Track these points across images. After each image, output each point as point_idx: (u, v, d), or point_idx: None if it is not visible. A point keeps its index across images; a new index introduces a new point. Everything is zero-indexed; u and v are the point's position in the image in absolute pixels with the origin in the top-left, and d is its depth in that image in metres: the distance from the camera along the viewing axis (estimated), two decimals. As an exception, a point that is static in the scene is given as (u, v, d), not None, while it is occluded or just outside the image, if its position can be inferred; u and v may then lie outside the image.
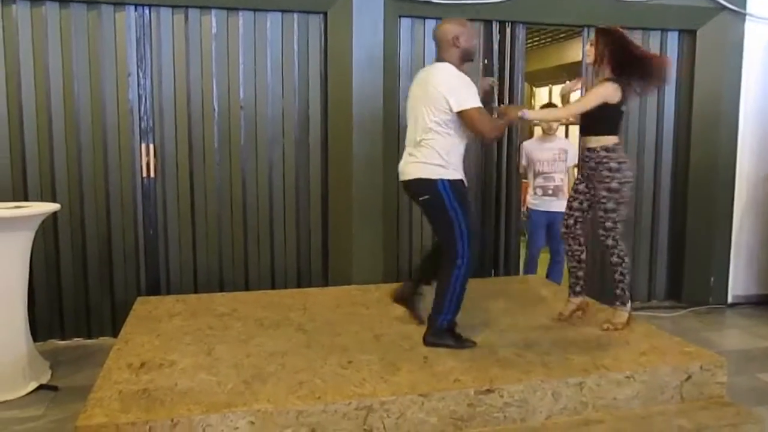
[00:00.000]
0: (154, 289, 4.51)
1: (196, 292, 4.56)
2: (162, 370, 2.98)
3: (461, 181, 3.35)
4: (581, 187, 3.69)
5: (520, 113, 3.44)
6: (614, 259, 3.61)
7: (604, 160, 3.49)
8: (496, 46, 4.93)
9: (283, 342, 3.39)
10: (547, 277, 5.08)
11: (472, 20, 4.77)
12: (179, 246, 4.54)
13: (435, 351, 3.25)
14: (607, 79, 3.46)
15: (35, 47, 4.16)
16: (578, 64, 5.39)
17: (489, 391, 2.84)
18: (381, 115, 4.59)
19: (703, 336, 4.52)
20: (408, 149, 3.42)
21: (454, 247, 3.27)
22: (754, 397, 3.49)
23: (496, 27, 4.92)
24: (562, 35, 8.34)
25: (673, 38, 5.26)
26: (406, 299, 3.71)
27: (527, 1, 4.77)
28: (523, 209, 5.24)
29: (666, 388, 3.07)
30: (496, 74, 4.94)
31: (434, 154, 3.26)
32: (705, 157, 5.25)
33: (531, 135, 7.06)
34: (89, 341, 4.39)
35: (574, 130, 6.32)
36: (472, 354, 3.22)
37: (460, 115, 3.21)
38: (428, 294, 4.07)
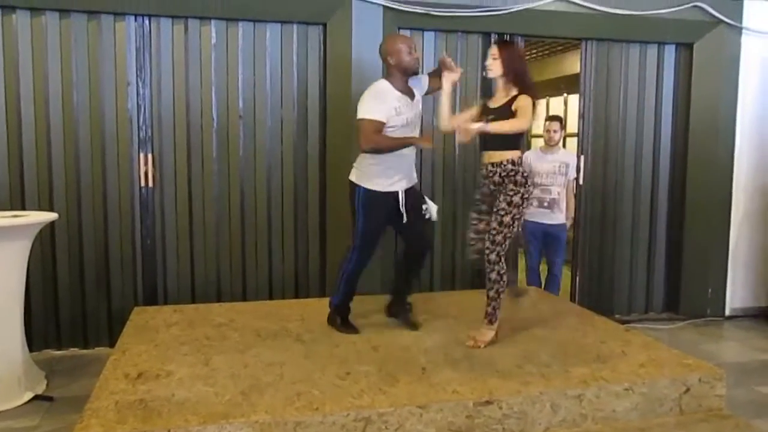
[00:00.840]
0: (151, 299, 4.49)
1: (193, 302, 4.54)
2: (159, 381, 2.96)
3: (379, 192, 3.62)
4: (484, 207, 3.58)
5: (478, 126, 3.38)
6: (493, 275, 3.45)
7: (511, 173, 3.41)
8: (494, 58, 4.94)
9: (281, 352, 3.38)
10: (545, 288, 5.08)
11: (468, 32, 4.84)
12: (177, 256, 4.53)
13: (433, 362, 3.24)
14: (521, 92, 3.37)
15: (35, 56, 4.17)
16: (576, 76, 5.41)
17: (488, 402, 2.83)
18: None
19: (701, 348, 4.51)
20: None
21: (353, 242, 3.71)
22: (752, 409, 3.48)
23: (494, 40, 4.93)
24: (559, 47, 8.39)
25: (670, 51, 5.30)
26: (397, 314, 3.92)
27: (525, 13, 4.80)
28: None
29: (665, 401, 3.07)
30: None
31: (359, 161, 3.67)
32: (702, 170, 5.28)
33: (528, 146, 7.07)
34: (85, 351, 4.37)
35: (572, 141, 6.35)
36: (470, 365, 3.21)
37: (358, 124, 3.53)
38: (419, 303, 4.12)
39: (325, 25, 4.57)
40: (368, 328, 3.81)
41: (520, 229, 3.57)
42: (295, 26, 4.58)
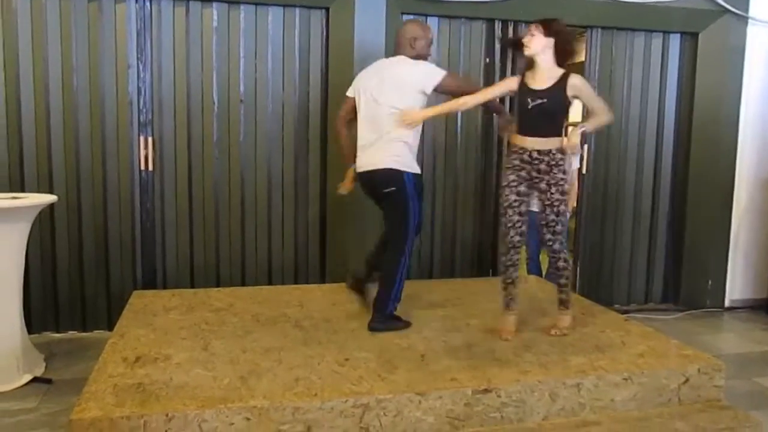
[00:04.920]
0: (150, 283, 4.49)
1: (192, 286, 4.54)
2: (157, 365, 2.96)
3: (419, 174, 3.53)
4: (523, 189, 3.41)
5: (580, 130, 3.36)
6: (561, 263, 3.47)
7: (560, 162, 3.32)
8: (498, 46, 4.91)
9: (280, 338, 3.37)
10: (545, 278, 5.06)
11: (472, 18, 4.80)
12: (176, 240, 4.52)
13: (432, 350, 3.24)
14: (569, 71, 3.30)
15: (34, 38, 4.14)
16: (580, 65, 5.37)
17: (486, 390, 2.82)
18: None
19: (700, 339, 4.51)
20: (374, 141, 3.47)
21: (403, 239, 3.45)
22: (751, 400, 3.48)
23: (498, 26, 4.90)
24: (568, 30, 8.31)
25: (675, 41, 5.26)
26: (360, 287, 3.85)
27: (530, 0, 4.75)
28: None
29: (664, 391, 3.06)
30: (498, 74, 4.93)
31: (406, 147, 3.44)
32: (704, 160, 5.26)
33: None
34: (84, 334, 4.37)
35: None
36: (469, 353, 3.20)
37: (441, 86, 3.39)
38: (420, 290, 4.11)
39: (327, 10, 4.53)
40: (366, 314, 3.80)
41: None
42: (297, 10, 4.54)
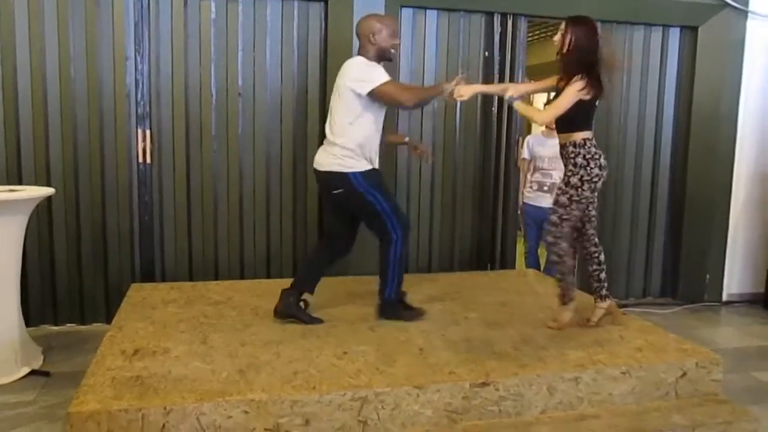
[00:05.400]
0: (148, 276, 4.48)
1: (190, 279, 4.53)
2: (156, 358, 2.96)
3: (372, 169, 3.44)
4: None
5: (507, 96, 3.36)
6: (552, 257, 3.46)
7: (572, 155, 3.38)
8: (497, 39, 4.90)
9: (278, 331, 3.37)
10: (543, 272, 5.07)
11: (470, 11, 4.78)
12: (174, 233, 4.51)
13: (431, 343, 3.24)
14: (578, 77, 3.26)
15: (31, 29, 4.11)
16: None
17: (484, 384, 2.82)
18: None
19: (698, 333, 4.52)
20: (324, 141, 3.50)
21: (385, 228, 3.44)
22: (748, 395, 3.49)
23: (497, 19, 4.88)
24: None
25: (674, 35, 5.25)
26: (293, 313, 3.55)
27: (530, -7, 4.74)
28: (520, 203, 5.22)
29: (661, 385, 3.07)
30: (497, 67, 4.92)
31: (347, 150, 3.36)
32: (703, 155, 5.25)
33: (529, 131, 7.03)
34: (82, 327, 4.37)
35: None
36: (468, 347, 3.20)
37: (372, 94, 3.27)
38: (418, 284, 4.09)
39: (326, 2, 4.51)
40: (365, 308, 3.81)
41: (576, 212, 3.46)
42: (295, 3, 4.52)
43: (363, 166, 3.40)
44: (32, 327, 4.11)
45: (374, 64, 3.36)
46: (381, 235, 3.50)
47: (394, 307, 3.58)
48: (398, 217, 3.48)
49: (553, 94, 3.51)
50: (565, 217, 3.39)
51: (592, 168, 3.36)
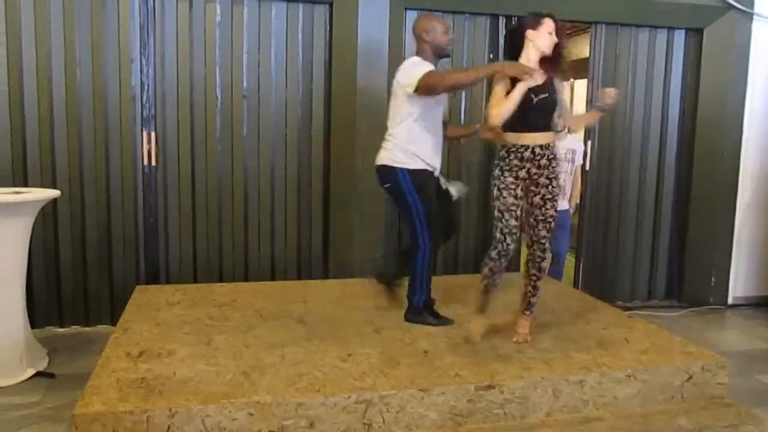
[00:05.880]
0: (153, 278, 4.49)
1: (195, 281, 4.54)
2: (161, 360, 2.96)
3: (422, 170, 3.47)
4: (520, 192, 3.24)
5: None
6: (545, 264, 3.37)
7: (555, 156, 3.30)
8: (502, 41, 4.89)
9: (283, 333, 3.38)
10: (548, 274, 5.05)
11: (475, 13, 4.78)
12: (179, 235, 4.52)
13: (435, 346, 3.24)
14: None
15: (38, 32, 4.13)
16: (583, 61, 5.36)
17: (489, 387, 2.82)
18: (385, 107, 4.53)
19: (703, 336, 4.50)
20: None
21: (415, 232, 3.49)
22: (753, 398, 3.47)
23: (502, 21, 4.88)
24: (568, 31, 8.28)
25: (679, 37, 5.23)
26: (389, 284, 3.80)
27: (534, -4, 4.73)
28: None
29: (667, 388, 3.06)
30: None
31: (397, 146, 3.47)
32: (709, 157, 5.24)
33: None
34: (87, 329, 4.38)
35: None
36: (472, 349, 3.20)
37: (418, 90, 3.32)
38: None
39: (331, 5, 4.51)
40: (370, 310, 3.81)
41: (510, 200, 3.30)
42: (300, 5, 4.52)
43: (412, 164, 3.46)
44: (37, 329, 4.13)
45: (423, 61, 3.42)
46: (412, 237, 3.54)
47: (419, 312, 3.61)
48: (430, 226, 3.47)
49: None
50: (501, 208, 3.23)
51: (511, 159, 3.22)
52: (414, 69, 3.37)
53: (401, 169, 3.45)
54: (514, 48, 3.29)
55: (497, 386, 2.83)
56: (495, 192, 3.25)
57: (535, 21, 3.25)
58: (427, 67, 3.38)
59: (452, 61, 4.79)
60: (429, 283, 3.60)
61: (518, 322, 3.41)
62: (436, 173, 3.59)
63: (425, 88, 3.32)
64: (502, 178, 3.23)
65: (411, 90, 3.35)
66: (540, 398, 2.89)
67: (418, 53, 3.51)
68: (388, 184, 3.53)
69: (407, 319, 3.62)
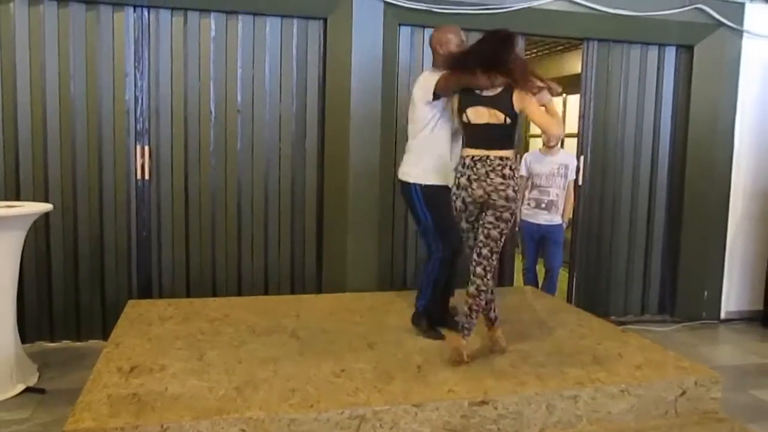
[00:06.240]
0: (145, 292, 4.47)
1: (188, 296, 4.52)
2: (152, 375, 2.94)
3: (436, 186, 3.50)
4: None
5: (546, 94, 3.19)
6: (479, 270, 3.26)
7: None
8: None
9: (276, 348, 3.36)
10: (541, 289, 5.06)
11: (469, 29, 4.80)
12: (172, 249, 4.51)
13: (429, 361, 3.22)
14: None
15: (32, 45, 4.13)
16: (575, 76, 5.40)
17: (483, 402, 2.81)
18: (379, 123, 4.57)
19: (697, 351, 4.51)
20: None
21: (429, 244, 3.61)
22: (747, 413, 3.47)
23: (495, 37, 4.91)
24: (560, 47, 8.36)
25: (670, 53, 5.29)
26: (442, 321, 3.71)
27: (527, 12, 4.78)
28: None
29: (661, 403, 3.05)
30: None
31: (412, 161, 3.55)
32: (701, 172, 5.27)
33: (527, 148, 7.06)
34: (78, 343, 4.34)
35: (569, 141, 6.34)
36: (466, 365, 3.18)
37: (436, 95, 3.35)
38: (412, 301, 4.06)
39: (325, 20, 4.54)
40: (364, 325, 3.80)
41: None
42: (295, 20, 4.55)
43: (426, 179, 3.50)
44: (28, 343, 4.10)
45: (433, 73, 3.44)
46: (427, 247, 3.64)
47: (418, 317, 3.69)
48: (444, 239, 3.52)
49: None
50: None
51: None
52: (432, 79, 3.38)
53: (414, 185, 3.53)
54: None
55: (491, 402, 2.82)
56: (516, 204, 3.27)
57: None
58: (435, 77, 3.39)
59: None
60: (435, 291, 3.64)
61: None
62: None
63: (445, 88, 3.33)
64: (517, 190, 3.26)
65: (430, 98, 3.37)
66: (534, 414, 2.88)
67: (433, 65, 3.56)
68: (405, 198, 3.64)
69: (412, 321, 3.73)
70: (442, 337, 3.55)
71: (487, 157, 3.18)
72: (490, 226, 3.19)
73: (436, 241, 3.56)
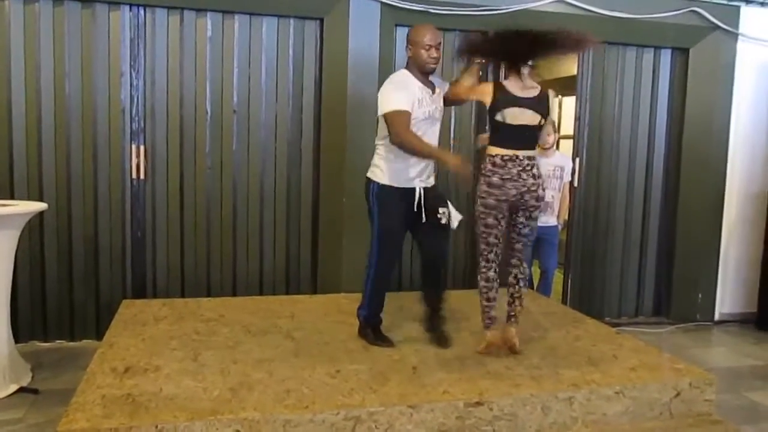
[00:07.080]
0: (140, 292, 4.45)
1: (183, 295, 4.51)
2: (147, 375, 2.93)
3: (394, 187, 3.39)
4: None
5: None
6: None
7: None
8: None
9: (271, 349, 3.35)
10: (536, 290, 5.07)
11: (465, 31, 4.81)
12: (167, 249, 4.49)
13: (425, 362, 3.23)
14: None
15: (27, 44, 4.11)
16: (571, 78, 5.41)
17: (478, 403, 2.81)
18: (374, 123, 4.55)
19: (691, 353, 4.51)
20: None
21: (370, 246, 3.46)
22: (741, 415, 3.48)
23: (491, 39, 4.91)
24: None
25: (666, 56, 5.30)
26: (428, 329, 3.66)
27: (523, 13, 4.78)
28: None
29: (655, 405, 3.06)
30: (491, 78, 4.93)
31: (375, 161, 3.47)
32: (695, 175, 5.29)
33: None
34: (72, 343, 4.32)
35: (564, 143, 6.35)
36: (461, 366, 3.19)
37: (385, 121, 3.30)
38: (409, 302, 4.05)
39: (322, 20, 4.53)
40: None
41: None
42: (291, 20, 4.54)
43: (385, 179, 3.40)
44: (21, 343, 4.07)
45: (401, 83, 3.34)
46: (368, 254, 3.50)
47: (363, 327, 3.58)
48: (382, 246, 3.42)
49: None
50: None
51: (481, 184, 3.31)
52: (387, 93, 3.30)
53: (373, 182, 3.43)
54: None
55: (486, 403, 2.82)
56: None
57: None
58: (399, 97, 3.27)
59: (442, 75, 4.83)
60: (376, 300, 3.52)
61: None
62: (417, 193, 3.42)
63: (390, 128, 3.27)
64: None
65: (379, 114, 3.33)
66: (529, 415, 2.88)
67: (407, 66, 3.45)
68: (365, 196, 3.50)
69: (359, 333, 3.59)
70: (392, 345, 3.47)
71: (517, 156, 3.27)
72: (521, 225, 3.38)
73: (373, 244, 3.43)
